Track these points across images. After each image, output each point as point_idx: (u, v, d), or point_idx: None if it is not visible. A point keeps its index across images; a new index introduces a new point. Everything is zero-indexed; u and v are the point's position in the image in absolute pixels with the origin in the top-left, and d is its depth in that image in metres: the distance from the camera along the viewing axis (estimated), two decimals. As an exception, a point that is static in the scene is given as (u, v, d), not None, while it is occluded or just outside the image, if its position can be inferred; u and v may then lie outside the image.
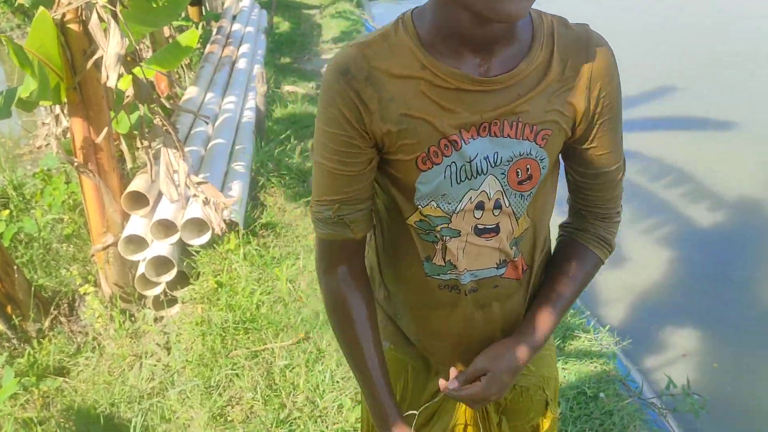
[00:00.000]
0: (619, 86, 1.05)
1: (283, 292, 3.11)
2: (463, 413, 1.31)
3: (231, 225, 3.41)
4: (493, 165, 1.01)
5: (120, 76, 3.20)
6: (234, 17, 8.36)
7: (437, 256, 1.09)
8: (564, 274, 1.16)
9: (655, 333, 3.67)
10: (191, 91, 5.17)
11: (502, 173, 1.02)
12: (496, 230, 1.07)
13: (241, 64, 6.33)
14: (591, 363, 2.64)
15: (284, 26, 9.75)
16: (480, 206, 1.05)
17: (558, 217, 1.23)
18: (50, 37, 3.01)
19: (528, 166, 1.03)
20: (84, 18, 3.13)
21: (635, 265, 4.18)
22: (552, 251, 1.24)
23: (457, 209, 1.04)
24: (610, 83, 1.03)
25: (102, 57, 3.02)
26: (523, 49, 0.98)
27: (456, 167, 1.01)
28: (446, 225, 1.05)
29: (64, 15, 3.08)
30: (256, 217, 3.69)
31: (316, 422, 2.37)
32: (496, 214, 1.06)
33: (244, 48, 6.97)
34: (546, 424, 1.34)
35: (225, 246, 3.33)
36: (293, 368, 2.63)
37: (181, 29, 7.33)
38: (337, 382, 2.56)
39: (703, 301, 3.86)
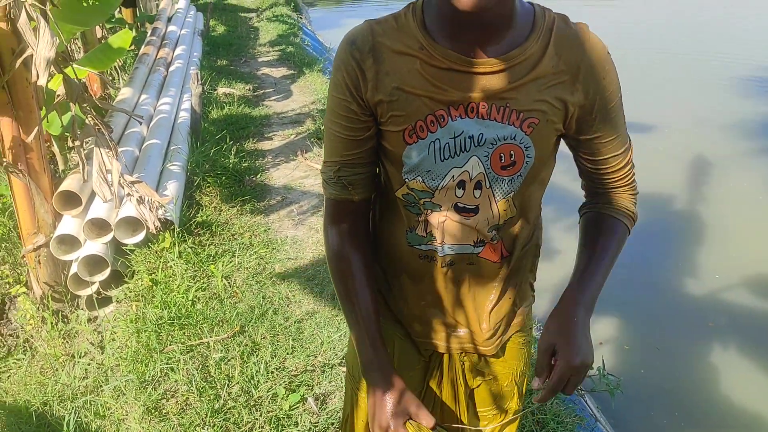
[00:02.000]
0: (615, 80, 1.09)
1: (219, 288, 3.16)
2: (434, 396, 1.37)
3: (166, 224, 3.43)
4: (476, 145, 1.06)
5: (51, 75, 3.19)
6: (169, 19, 8.29)
7: (420, 227, 1.16)
8: (597, 243, 1.19)
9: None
10: (125, 92, 5.13)
11: (486, 155, 1.07)
12: (475, 211, 1.12)
13: (177, 65, 6.30)
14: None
15: (220, 29, 9.72)
16: (461, 185, 1.09)
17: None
18: (-23, 35, 2.98)
19: (512, 152, 1.07)
20: (12, 16, 3.10)
21: (558, 259, 4.38)
22: (539, 245, 1.30)
23: (440, 185, 1.10)
24: (604, 78, 1.07)
25: (31, 56, 3.01)
26: (519, 38, 1.03)
27: (440, 144, 1.06)
28: (429, 199, 1.12)
29: (-9, 14, 3.05)
30: (191, 216, 3.72)
31: (250, 411, 2.43)
32: (477, 195, 1.11)
33: (180, 50, 6.93)
34: (510, 414, 1.39)
35: (160, 244, 3.35)
36: (228, 361, 2.69)
37: (114, 30, 7.23)
38: (272, 372, 2.63)
39: (621, 291, 4.08)
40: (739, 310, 3.82)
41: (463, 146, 1.06)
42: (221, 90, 6.41)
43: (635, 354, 3.51)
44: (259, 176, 4.55)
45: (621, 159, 1.18)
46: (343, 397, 2.56)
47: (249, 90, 6.67)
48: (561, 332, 1.11)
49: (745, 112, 7.06)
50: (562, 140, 1.17)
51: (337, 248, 1.21)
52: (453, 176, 1.09)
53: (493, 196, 1.11)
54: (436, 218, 1.14)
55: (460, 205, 1.12)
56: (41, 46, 3.00)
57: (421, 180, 1.10)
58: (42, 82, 2.97)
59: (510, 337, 1.33)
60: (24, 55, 3.07)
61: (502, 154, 1.07)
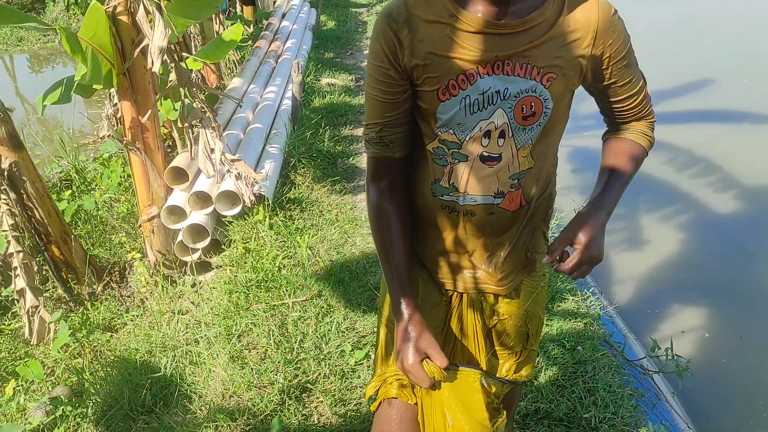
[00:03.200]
0: (623, 33, 1.24)
1: (303, 257, 3.43)
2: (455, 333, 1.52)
3: (260, 198, 3.75)
4: (502, 98, 1.21)
5: (165, 64, 3.57)
6: (284, 15, 8.78)
7: (444, 178, 1.31)
8: (618, 162, 1.36)
9: (664, 314, 3.82)
10: (235, 82, 5.56)
11: (510, 107, 1.22)
12: (498, 159, 1.27)
13: (285, 57, 6.70)
14: (575, 321, 2.85)
15: (331, 23, 10.11)
16: (487, 135, 1.24)
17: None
18: (102, 27, 3.39)
19: (533, 104, 1.22)
20: (132, 10, 3.50)
21: (654, 249, 4.31)
22: (553, 199, 1.46)
23: (469, 136, 1.25)
24: (614, 32, 1.22)
25: (148, 45, 3.39)
26: (537, 2, 1.18)
27: (470, 100, 1.21)
28: (457, 150, 1.27)
29: (115, 7, 3.45)
30: (284, 193, 4.02)
31: (320, 364, 2.67)
32: (500, 144, 1.25)
33: (290, 43, 7.35)
34: (524, 354, 1.54)
35: (254, 217, 3.68)
36: (305, 320, 2.94)
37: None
38: (342, 332, 2.86)
39: (709, 278, 3.98)
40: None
41: (490, 100, 1.21)
42: (325, 80, 6.75)
43: (716, 342, 3.43)
44: (351, 159, 4.80)
45: (636, 96, 1.34)
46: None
47: (351, 80, 6.96)
48: (584, 228, 1.27)
49: None
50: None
51: (377, 203, 1.37)
52: (481, 127, 1.24)
53: (515, 144, 1.26)
54: (461, 169, 1.28)
55: (485, 154, 1.26)
56: (156, 36, 3.37)
57: (452, 132, 1.25)
58: (156, 68, 3.33)
59: (522, 280, 1.47)
60: (142, 45, 3.46)
61: (524, 106, 1.22)
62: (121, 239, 4.32)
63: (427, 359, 1.28)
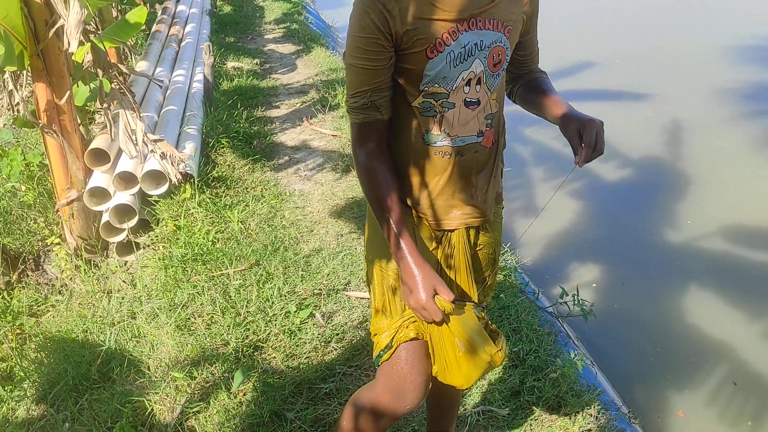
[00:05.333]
0: None
1: (236, 231, 3.55)
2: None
3: (186, 177, 3.81)
4: (479, 49, 1.44)
5: (81, 44, 3.54)
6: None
7: (435, 126, 1.49)
8: (549, 89, 1.65)
9: (566, 268, 4.25)
10: (141, 65, 5.50)
11: (485, 57, 1.46)
12: (477, 103, 1.50)
13: (188, 41, 6.65)
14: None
15: (227, 8, 10.04)
16: (469, 83, 1.46)
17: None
18: (14, 8, 3.32)
19: (500, 52, 1.48)
20: (45, -10, 3.44)
21: (551, 215, 4.73)
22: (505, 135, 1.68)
23: (454, 86, 1.46)
24: (536, 1, 1.55)
25: (62, 26, 3.35)
26: None
27: (454, 54, 1.42)
28: (446, 99, 1.47)
29: (26, -13, 3.39)
30: (208, 172, 4.10)
31: (267, 324, 2.83)
32: (478, 90, 1.48)
33: (189, 27, 7.27)
34: (491, 279, 1.77)
35: (181, 195, 3.74)
36: (246, 287, 3.08)
37: (124, 11, 7.57)
38: (284, 295, 3.02)
39: (611, 241, 4.47)
40: (706, 252, 4.19)
41: (470, 52, 1.44)
42: (230, 64, 6.77)
43: (605, 291, 3.88)
44: (267, 139, 4.92)
45: (537, 46, 1.70)
46: (347, 315, 2.95)
47: (256, 64, 7.02)
48: (578, 118, 1.51)
49: (729, 81, 7.37)
50: None
51: (366, 164, 1.52)
52: (463, 77, 1.46)
53: (488, 89, 1.51)
54: (452, 115, 1.49)
55: (468, 100, 1.49)
56: (71, 16, 3.34)
57: (438, 85, 1.46)
58: (73, 49, 3.31)
59: (496, 208, 1.73)
60: (56, 26, 3.42)
61: (494, 54, 1.48)
62: (30, 227, 4.22)
63: (436, 296, 1.45)
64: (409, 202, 1.60)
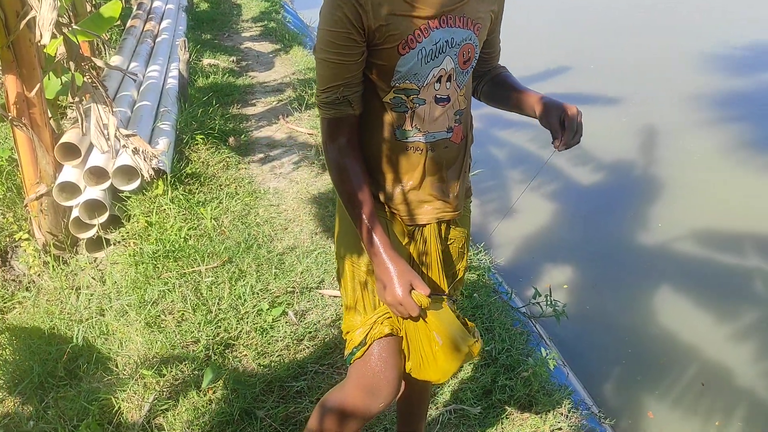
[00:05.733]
0: None
1: (208, 227, 3.51)
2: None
3: (159, 173, 3.76)
4: (450, 46, 1.45)
5: (52, 36, 3.47)
6: (154, -5, 8.52)
7: (406, 122, 1.50)
8: (517, 83, 1.70)
9: (539, 269, 4.29)
10: (115, 60, 5.42)
11: (455, 53, 1.47)
12: (447, 99, 1.51)
13: (163, 37, 6.58)
14: (469, 273, 3.17)
15: (204, 5, 9.95)
16: (439, 80, 1.48)
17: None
18: (-16, -1, 3.26)
19: (469, 50, 1.50)
20: (16, -19, 3.38)
21: (525, 216, 4.77)
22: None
23: (425, 83, 1.46)
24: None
25: (34, 18, 3.29)
26: None
27: (426, 51, 1.42)
28: (417, 95, 1.47)
29: (-3, -22, 3.32)
30: (181, 168, 4.05)
31: (239, 322, 2.80)
32: (448, 87, 1.50)
33: (165, 23, 7.19)
34: (461, 272, 1.78)
35: (154, 191, 3.69)
36: (218, 285, 3.05)
37: (98, 5, 7.47)
38: (257, 293, 3.00)
39: (583, 243, 4.51)
40: (676, 255, 4.25)
41: (441, 49, 1.45)
42: (206, 61, 6.71)
43: (577, 292, 3.92)
44: (243, 137, 4.89)
45: (499, 43, 1.73)
46: (320, 314, 2.94)
47: (233, 62, 6.96)
48: (559, 106, 1.54)
49: (701, 86, 7.50)
50: None
51: (338, 160, 1.52)
52: (434, 74, 1.47)
53: (457, 86, 1.52)
54: (423, 111, 1.50)
55: (438, 96, 1.50)
56: (44, 8, 3.28)
57: (409, 81, 1.46)
58: (45, 41, 3.25)
59: (466, 202, 1.74)
60: (27, 18, 3.35)
61: (464, 52, 1.49)
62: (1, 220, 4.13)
63: (412, 291, 1.45)
64: (381, 197, 1.60)
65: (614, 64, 8.65)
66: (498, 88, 1.73)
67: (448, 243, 1.72)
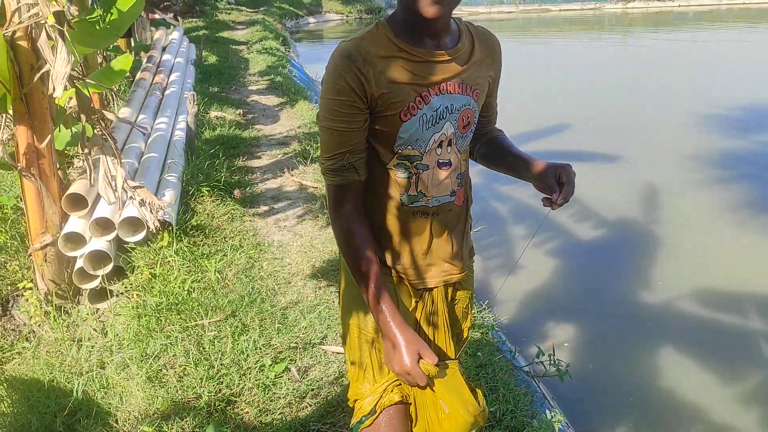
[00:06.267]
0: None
1: (212, 280, 3.51)
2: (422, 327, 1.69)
3: (164, 224, 3.79)
4: (450, 112, 1.49)
5: (64, 89, 3.55)
6: (164, 48, 8.73)
7: (412, 187, 1.53)
8: (512, 147, 1.74)
9: (542, 326, 4.27)
10: (124, 111, 5.52)
11: (455, 119, 1.50)
12: (449, 164, 1.54)
13: (172, 90, 6.71)
14: (472, 331, 3.16)
15: (212, 59, 10.17)
16: (441, 145, 1.51)
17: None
18: (0, 52, 3.34)
19: (468, 114, 1.54)
20: (33, 36, 3.47)
21: (527, 273, 4.77)
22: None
23: (427, 149, 1.50)
24: (501, 59, 1.62)
25: (48, 71, 3.36)
26: (456, 38, 1.49)
27: (426, 117, 1.46)
28: (420, 161, 1.50)
29: (14, 32, 3.41)
30: (186, 220, 4.07)
31: (240, 378, 2.77)
32: (449, 151, 1.53)
33: (174, 76, 7.35)
34: (465, 333, 1.78)
35: (159, 243, 3.70)
36: (221, 339, 3.03)
37: (110, 57, 7.64)
38: (259, 348, 2.97)
39: (586, 301, 4.50)
40: (678, 313, 4.24)
41: (441, 116, 1.49)
42: (213, 114, 6.82)
43: (580, 350, 3.89)
44: (248, 189, 4.93)
45: (496, 107, 1.77)
46: (323, 370, 2.91)
47: (239, 114, 7.08)
48: (555, 166, 1.60)
49: (702, 146, 7.61)
50: None
51: (345, 227, 1.53)
52: (435, 139, 1.50)
53: (457, 150, 1.56)
54: (426, 176, 1.53)
55: (440, 161, 1.53)
56: (58, 62, 3.35)
57: (412, 147, 1.49)
58: (58, 94, 3.32)
59: (469, 262, 1.75)
60: (42, 71, 3.43)
61: (464, 117, 1.53)
62: (0, 271, 4.13)
63: (420, 360, 1.44)
64: (388, 261, 1.61)
65: (613, 122, 8.82)
66: (494, 150, 1.77)
67: (454, 303, 1.73)
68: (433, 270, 1.62)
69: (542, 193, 1.63)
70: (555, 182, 1.57)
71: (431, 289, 1.64)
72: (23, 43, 3.46)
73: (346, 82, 1.41)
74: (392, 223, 1.58)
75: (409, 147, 1.49)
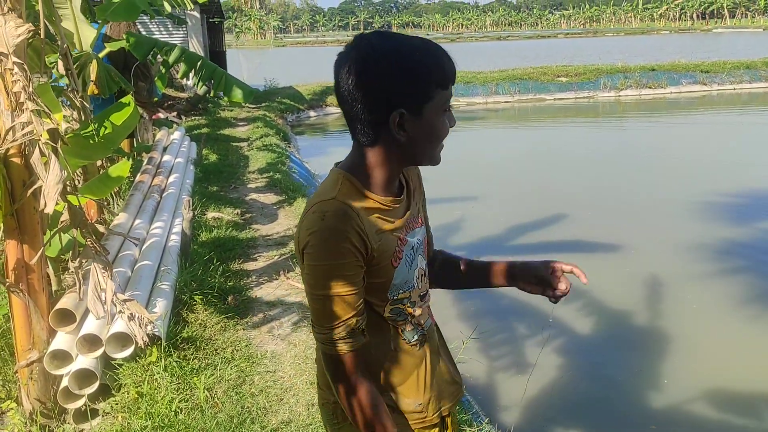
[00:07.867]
0: None
1: (201, 399, 3.37)
2: None
3: (154, 339, 3.68)
4: (419, 245, 1.56)
5: (56, 204, 3.54)
6: (165, 149, 8.86)
7: (407, 326, 1.55)
8: (459, 260, 1.78)
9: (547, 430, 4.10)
10: (121, 217, 5.52)
11: (422, 251, 1.59)
12: (426, 293, 1.62)
13: (170, 191, 6.74)
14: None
15: (213, 157, 10.31)
16: (420, 278, 1.57)
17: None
18: (-7, 169, 3.35)
19: (426, 242, 1.64)
20: (26, 153, 3.48)
21: (532, 373, 4.63)
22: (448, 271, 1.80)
23: (414, 286, 1.55)
24: (423, 185, 1.68)
25: (40, 187, 3.36)
26: (397, 183, 1.54)
27: (409, 257, 1.51)
28: (409, 300, 1.54)
29: (7, 150, 3.43)
30: (177, 332, 3.97)
31: None
32: (424, 282, 1.61)
33: (173, 178, 7.41)
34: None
35: (147, 359, 3.59)
36: (207, 467, 2.87)
37: (111, 159, 7.75)
38: (247, 476, 2.81)
39: (590, 401, 4.35)
40: (686, 414, 4.09)
41: (416, 251, 1.56)
42: (211, 214, 6.82)
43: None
44: (242, 295, 4.85)
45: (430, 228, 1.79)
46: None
47: (237, 214, 7.09)
48: (535, 263, 1.68)
49: (701, 235, 7.57)
50: None
51: (361, 394, 1.42)
52: (416, 275, 1.56)
53: (425, 274, 1.62)
54: (417, 311, 1.57)
55: (421, 294, 1.59)
56: (51, 178, 3.36)
57: (403, 290, 1.52)
58: (49, 210, 3.31)
59: None
60: (34, 187, 3.43)
61: (425, 246, 1.64)
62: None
63: None
64: (403, 407, 1.56)
65: (611, 210, 8.81)
66: (451, 270, 1.79)
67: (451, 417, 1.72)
68: (434, 397, 1.61)
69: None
70: (549, 275, 1.63)
71: (448, 416, 1.65)
72: (16, 160, 3.47)
73: (351, 243, 1.36)
74: (397, 361, 1.56)
75: (401, 291, 1.52)
